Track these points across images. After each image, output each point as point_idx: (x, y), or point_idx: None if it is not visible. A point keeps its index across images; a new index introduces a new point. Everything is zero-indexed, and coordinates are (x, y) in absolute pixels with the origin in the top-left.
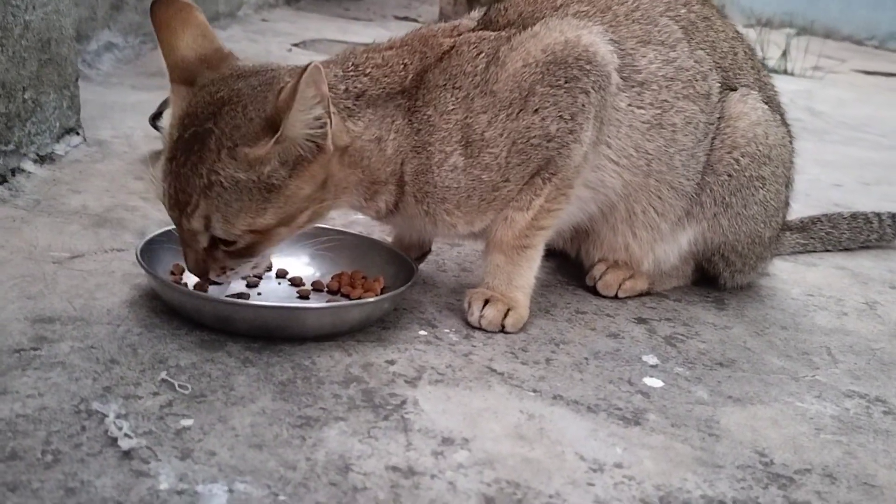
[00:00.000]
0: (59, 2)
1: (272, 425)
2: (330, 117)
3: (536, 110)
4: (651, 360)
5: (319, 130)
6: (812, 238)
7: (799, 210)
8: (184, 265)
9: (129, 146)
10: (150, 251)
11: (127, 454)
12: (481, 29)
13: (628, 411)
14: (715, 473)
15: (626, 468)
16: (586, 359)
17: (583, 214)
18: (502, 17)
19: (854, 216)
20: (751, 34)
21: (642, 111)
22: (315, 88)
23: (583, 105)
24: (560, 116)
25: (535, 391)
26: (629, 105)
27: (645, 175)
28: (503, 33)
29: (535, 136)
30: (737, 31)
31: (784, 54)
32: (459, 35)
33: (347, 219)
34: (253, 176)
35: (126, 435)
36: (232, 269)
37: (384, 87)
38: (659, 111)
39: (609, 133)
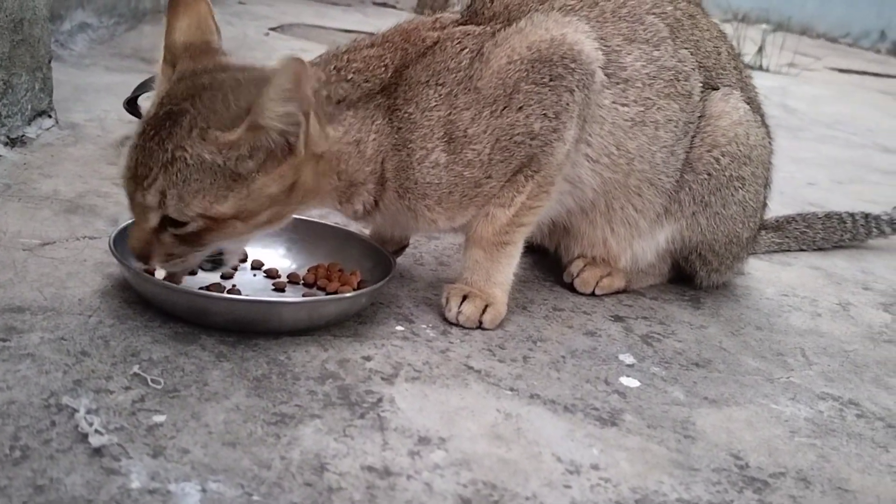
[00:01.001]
0: None
1: (246, 422)
2: (308, 119)
3: (521, 108)
4: (628, 359)
5: (293, 127)
6: (787, 237)
7: (774, 208)
8: None
9: (103, 130)
10: (123, 240)
11: (98, 451)
12: (466, 21)
13: (605, 411)
14: (691, 476)
15: (603, 470)
16: (563, 357)
17: (560, 208)
18: (487, 10)
19: (828, 216)
20: (728, 29)
21: (626, 108)
22: (293, 82)
23: (567, 104)
24: (544, 115)
25: (512, 390)
26: (613, 102)
27: (625, 173)
28: (488, 28)
29: (518, 134)
30: (721, 31)
31: (760, 50)
32: (443, 29)
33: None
34: (219, 160)
35: (97, 431)
36: (177, 257)
37: (364, 91)
38: (642, 108)
39: (591, 131)
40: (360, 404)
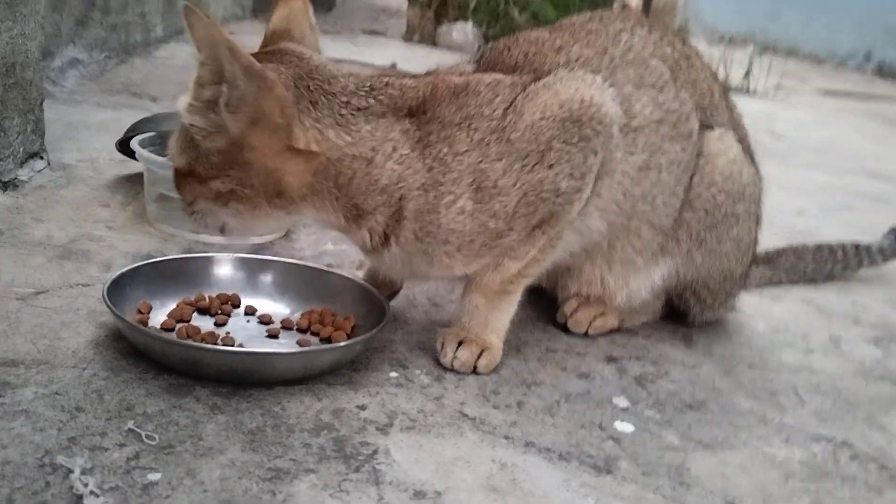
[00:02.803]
0: (25, 25)
1: (242, 479)
2: (232, 89)
3: (552, 165)
4: (622, 402)
5: (213, 87)
6: (778, 270)
7: (765, 240)
8: (150, 303)
9: (95, 170)
10: (117, 288)
11: None
12: (483, 71)
13: (600, 459)
14: None
15: None
16: (558, 402)
17: (565, 255)
18: (507, 58)
19: (819, 248)
20: (714, 53)
21: (634, 157)
22: (203, 31)
23: (591, 165)
24: (571, 174)
25: (507, 438)
26: (623, 153)
27: (628, 216)
28: (517, 79)
29: (546, 191)
30: (712, 71)
31: (747, 74)
32: (472, 74)
33: (317, 249)
34: (198, 116)
35: (92, 493)
36: (193, 209)
37: (391, 108)
38: (648, 154)
39: (602, 182)
40: (355, 457)
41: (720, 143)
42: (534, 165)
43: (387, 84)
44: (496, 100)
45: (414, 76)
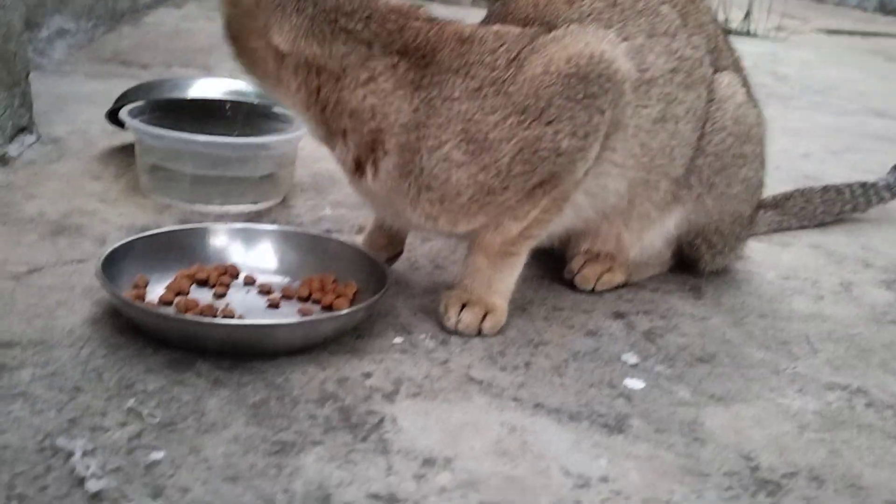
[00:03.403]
0: None
1: (247, 454)
2: None
3: (550, 122)
4: (631, 358)
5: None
6: (787, 215)
7: (771, 185)
8: (147, 277)
9: (86, 143)
10: (111, 263)
11: (96, 496)
12: (497, 22)
13: (611, 417)
14: (702, 483)
15: (612, 482)
16: (566, 361)
17: (579, 220)
18: (517, 11)
19: (826, 189)
20: None
21: (648, 110)
22: None
23: (597, 124)
24: (573, 133)
25: (515, 400)
26: (636, 106)
27: (647, 171)
28: (526, 30)
29: (544, 149)
30: (714, 13)
31: (747, 15)
32: (479, 26)
33: (315, 215)
34: None
35: (94, 474)
36: None
37: (382, 41)
38: (664, 105)
39: (616, 138)
40: (361, 426)
41: (729, 87)
42: (531, 122)
43: (389, 18)
44: (500, 49)
45: (431, 19)
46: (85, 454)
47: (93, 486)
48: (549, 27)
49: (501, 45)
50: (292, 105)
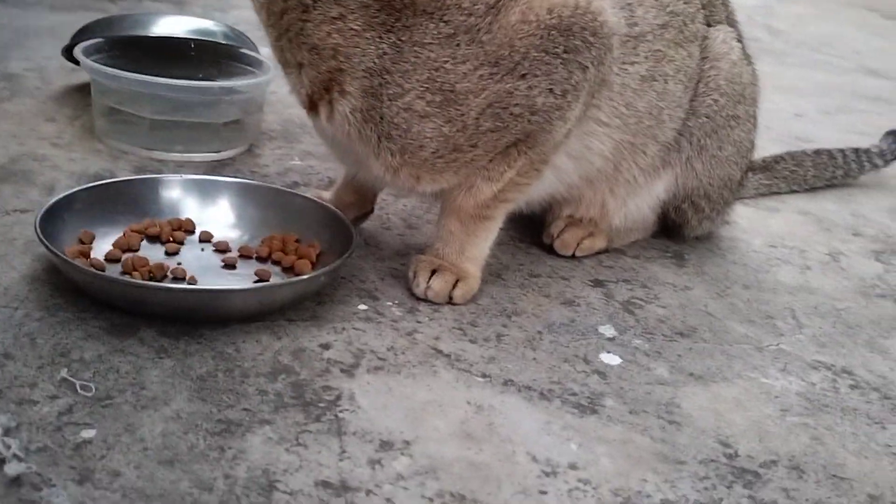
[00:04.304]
0: None
1: (187, 433)
2: None
3: (524, 76)
4: (608, 331)
5: None
6: (776, 178)
7: (762, 145)
8: (92, 232)
9: (43, 81)
10: (55, 214)
11: (15, 481)
12: None
13: (584, 396)
14: (677, 472)
15: (582, 469)
16: (540, 333)
17: (562, 186)
18: None
19: (818, 153)
20: None
21: (636, 66)
22: None
23: (577, 82)
24: (550, 90)
25: (484, 376)
26: (623, 63)
27: (633, 133)
28: None
29: (516, 105)
30: None
31: None
32: None
33: (282, 166)
34: None
35: (15, 456)
36: None
37: None
38: (653, 63)
39: (600, 96)
40: (315, 404)
41: (724, 44)
42: (503, 75)
43: None
44: None
45: None
46: (8, 431)
47: (12, 469)
48: None
49: None
50: (256, 12)
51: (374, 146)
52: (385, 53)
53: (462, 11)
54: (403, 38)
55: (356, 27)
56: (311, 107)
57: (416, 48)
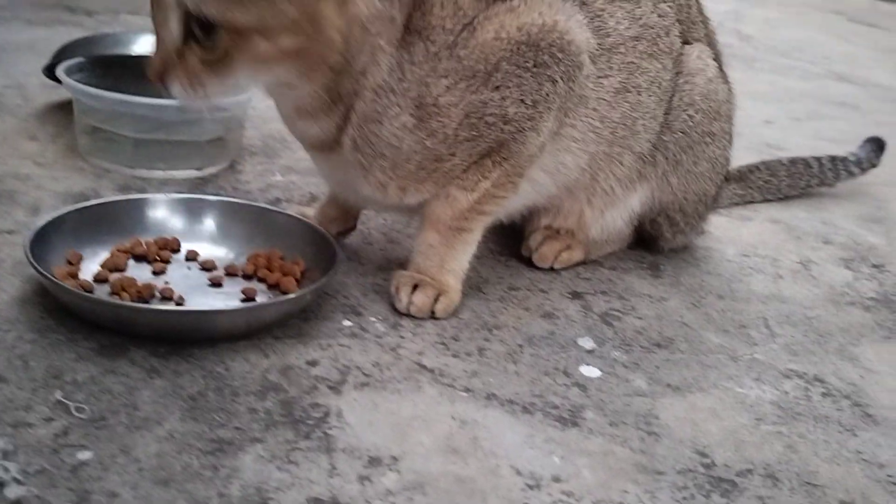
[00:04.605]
0: None
1: (181, 453)
2: None
3: (497, 87)
4: (587, 343)
5: None
6: (751, 188)
7: (734, 153)
8: (80, 253)
9: (23, 98)
10: (43, 236)
11: (16, 503)
12: None
13: (565, 409)
14: (656, 482)
15: (564, 481)
16: (521, 346)
17: (540, 198)
18: None
19: (793, 162)
20: None
21: (610, 79)
22: None
23: (547, 94)
24: (521, 100)
25: (467, 390)
26: (597, 77)
27: (609, 144)
28: None
29: (490, 115)
30: None
31: None
32: None
33: (264, 182)
34: None
35: (15, 479)
36: (201, 85)
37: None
38: (626, 75)
39: (575, 112)
40: (304, 422)
41: (699, 60)
42: (479, 86)
43: None
44: (458, 14)
45: None
46: (6, 455)
47: (12, 492)
48: None
49: (459, 10)
50: (332, 49)
51: (367, 169)
52: (392, 70)
53: (445, 31)
54: (405, 56)
55: (384, 43)
56: (336, 142)
57: (412, 66)
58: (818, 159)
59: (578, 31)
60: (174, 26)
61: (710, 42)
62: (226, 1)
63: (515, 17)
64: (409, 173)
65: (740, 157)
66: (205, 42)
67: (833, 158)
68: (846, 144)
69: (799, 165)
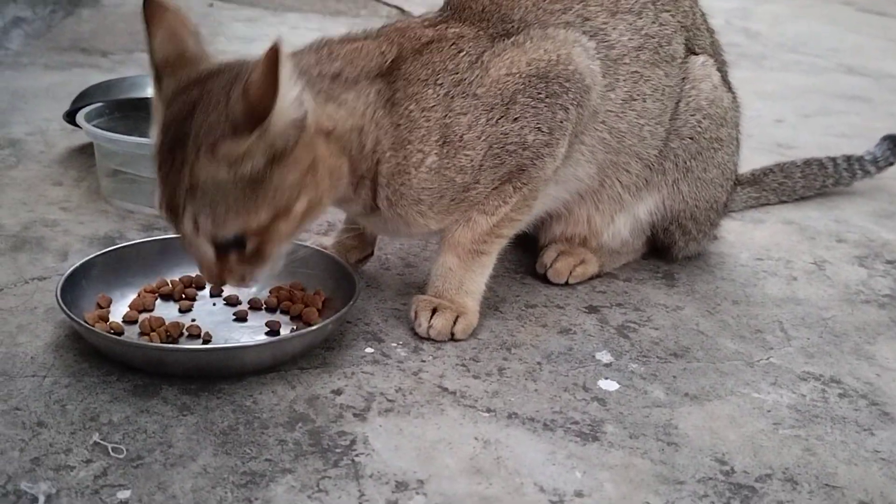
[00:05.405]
0: None
1: (215, 487)
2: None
3: (516, 119)
4: (605, 357)
5: (301, 110)
6: (765, 191)
7: (745, 154)
8: (109, 296)
9: (46, 144)
10: (72, 284)
11: None
12: (449, 15)
13: (585, 424)
14: (677, 491)
15: (587, 496)
16: (539, 363)
17: (555, 206)
18: (475, 4)
19: (808, 163)
20: None
21: (617, 91)
22: (290, 66)
23: (561, 121)
24: (538, 128)
25: (489, 410)
26: (605, 91)
27: (616, 152)
28: (482, 33)
29: (511, 143)
30: None
31: None
32: (435, 27)
33: None
34: (233, 174)
35: None
36: (251, 277)
37: (361, 70)
38: (631, 85)
39: (584, 127)
40: (332, 450)
41: (703, 68)
42: (498, 119)
43: (341, 44)
44: (460, 55)
45: (366, 35)
46: (49, 498)
47: None
48: (506, 21)
49: (460, 51)
50: (338, 178)
51: (406, 218)
52: (400, 125)
53: (449, 73)
54: (412, 107)
55: (380, 113)
56: (374, 206)
57: (425, 112)
58: (833, 159)
59: (585, 61)
60: (207, 250)
61: (715, 52)
62: (241, 216)
63: (523, 53)
64: (444, 208)
65: (752, 158)
66: (238, 248)
67: (848, 158)
68: (858, 139)
69: (813, 167)
